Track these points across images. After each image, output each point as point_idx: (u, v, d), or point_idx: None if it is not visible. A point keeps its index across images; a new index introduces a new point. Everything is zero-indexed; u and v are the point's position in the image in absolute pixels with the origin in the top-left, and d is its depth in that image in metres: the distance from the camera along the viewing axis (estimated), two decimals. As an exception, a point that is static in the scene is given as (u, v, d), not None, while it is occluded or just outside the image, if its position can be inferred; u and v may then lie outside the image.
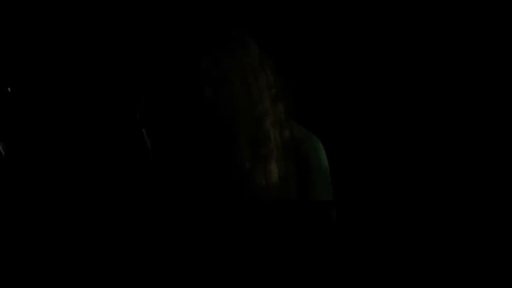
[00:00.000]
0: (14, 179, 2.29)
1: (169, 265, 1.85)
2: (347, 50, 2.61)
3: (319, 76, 2.60)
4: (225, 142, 1.88)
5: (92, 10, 2.59)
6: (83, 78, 2.62)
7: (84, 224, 2.16)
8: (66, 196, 2.31)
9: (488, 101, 2.57)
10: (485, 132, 2.56)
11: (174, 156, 1.93)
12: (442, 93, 2.59)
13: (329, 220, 1.91)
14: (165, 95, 1.94)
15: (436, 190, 2.55)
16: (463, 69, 2.57)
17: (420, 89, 2.59)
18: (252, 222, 1.83)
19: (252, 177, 1.87)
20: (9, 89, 2.40)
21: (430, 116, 2.58)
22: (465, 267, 2.51)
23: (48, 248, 2.17)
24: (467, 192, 2.54)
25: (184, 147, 1.91)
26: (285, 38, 2.55)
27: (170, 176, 1.92)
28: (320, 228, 1.86)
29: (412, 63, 2.59)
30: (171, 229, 1.87)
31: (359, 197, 2.54)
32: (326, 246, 1.86)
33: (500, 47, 2.56)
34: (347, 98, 2.61)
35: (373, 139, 2.59)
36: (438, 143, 2.58)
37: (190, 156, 1.90)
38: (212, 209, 1.85)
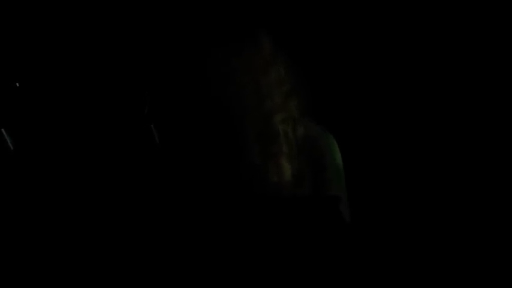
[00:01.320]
0: (22, 173, 2.29)
1: (177, 262, 1.84)
2: (362, 46, 2.59)
3: (334, 73, 2.59)
4: (234, 139, 1.86)
5: (100, 6, 2.59)
6: (90, 74, 2.61)
7: (90, 221, 2.16)
8: (72, 192, 2.31)
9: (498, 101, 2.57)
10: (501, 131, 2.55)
11: (183, 153, 1.91)
12: (459, 92, 2.57)
13: (338, 215, 1.90)
14: (174, 91, 1.92)
15: (451, 189, 2.55)
16: (476, 68, 2.56)
17: (437, 87, 2.58)
18: (263, 217, 1.82)
19: (263, 173, 1.85)
20: (17, 83, 2.40)
21: (446, 114, 2.57)
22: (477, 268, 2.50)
23: (52, 245, 2.17)
24: (481, 191, 2.53)
25: (193, 143, 1.89)
26: (301, 34, 2.53)
27: (179, 172, 1.91)
28: (330, 223, 1.86)
29: (430, 61, 2.57)
30: (179, 226, 1.86)
31: (372, 194, 2.53)
32: (337, 243, 1.85)
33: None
34: (361, 95, 2.60)
35: (387, 137, 2.58)
36: (454, 142, 2.57)
37: (199, 152, 1.89)
38: (223, 205, 1.84)
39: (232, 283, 1.80)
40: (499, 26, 2.53)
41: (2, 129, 2.29)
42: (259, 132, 1.85)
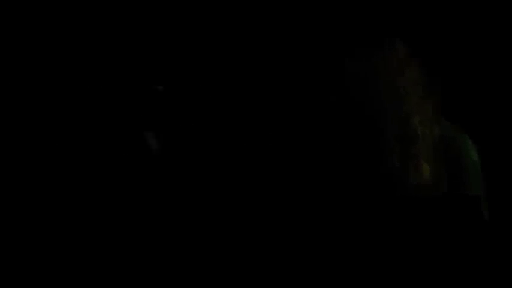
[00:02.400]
0: (164, 173, 2.34)
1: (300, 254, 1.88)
2: (494, 48, 2.54)
3: (468, 73, 2.55)
4: (373, 139, 1.87)
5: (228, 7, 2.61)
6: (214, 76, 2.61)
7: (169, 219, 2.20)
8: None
9: None
10: None
11: (321, 151, 1.94)
12: None
13: (480, 216, 1.88)
14: (314, 94, 1.96)
15: None
16: None
17: None
18: (404, 219, 1.83)
19: (402, 175, 1.86)
20: (161, 87, 2.45)
21: None
22: None
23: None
24: None
25: (333, 145, 1.92)
26: (434, 34, 2.51)
27: (317, 172, 1.94)
28: (471, 224, 1.84)
29: None
30: (311, 221, 1.89)
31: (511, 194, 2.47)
32: (479, 244, 1.83)
33: None
34: (497, 94, 2.54)
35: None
36: None
37: (338, 153, 1.91)
38: (363, 206, 1.85)
39: (381, 280, 1.82)
40: None
41: (148, 133, 2.36)
42: (398, 134, 1.86)
